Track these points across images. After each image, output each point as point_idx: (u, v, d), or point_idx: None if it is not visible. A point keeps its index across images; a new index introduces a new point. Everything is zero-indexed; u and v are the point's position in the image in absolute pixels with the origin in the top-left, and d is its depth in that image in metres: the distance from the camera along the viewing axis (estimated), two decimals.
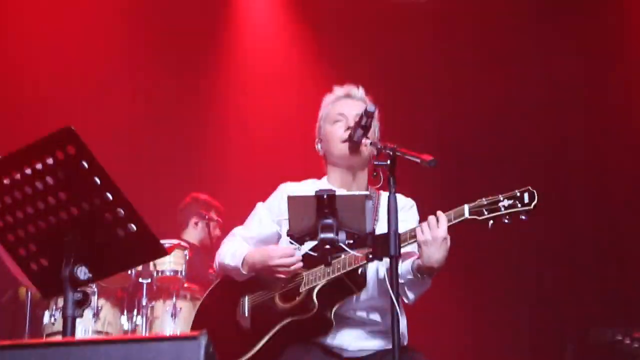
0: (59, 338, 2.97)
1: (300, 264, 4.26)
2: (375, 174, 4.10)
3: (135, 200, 2.98)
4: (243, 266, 4.39)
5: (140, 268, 6.91)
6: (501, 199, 4.00)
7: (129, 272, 6.89)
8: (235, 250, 4.49)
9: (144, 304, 6.91)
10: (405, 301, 4.31)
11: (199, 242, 7.84)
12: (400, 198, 4.45)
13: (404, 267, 4.18)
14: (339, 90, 4.63)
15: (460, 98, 8.07)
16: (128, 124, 8.28)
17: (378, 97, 4.49)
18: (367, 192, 4.16)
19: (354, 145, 4.26)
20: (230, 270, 4.50)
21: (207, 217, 7.70)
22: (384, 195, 4.08)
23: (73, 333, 2.94)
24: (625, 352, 6.16)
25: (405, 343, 4.46)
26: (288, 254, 4.27)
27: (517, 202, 3.96)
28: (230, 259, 4.47)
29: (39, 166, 2.85)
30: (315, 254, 4.04)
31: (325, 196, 3.79)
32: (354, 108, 4.40)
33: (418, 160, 3.95)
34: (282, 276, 4.29)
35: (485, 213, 4.00)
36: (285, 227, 4.11)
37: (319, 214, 3.80)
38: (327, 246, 3.79)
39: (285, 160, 7.28)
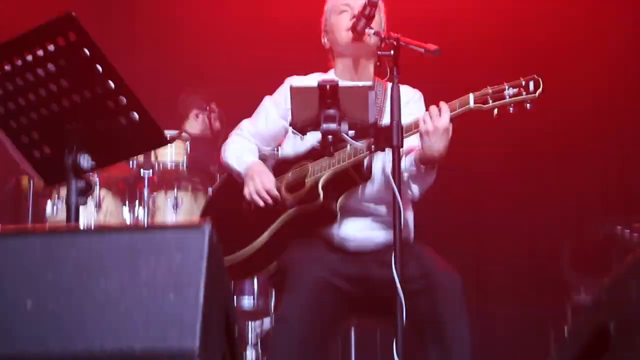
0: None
1: (262, 204, 4.32)
2: (379, 64, 4.08)
3: (135, 90, 2.96)
4: (245, 174, 4.43)
5: (141, 159, 6.91)
6: (506, 87, 3.99)
7: (130, 163, 6.90)
8: (241, 154, 4.53)
9: (145, 195, 6.93)
10: (410, 195, 4.33)
11: (200, 134, 7.81)
12: (407, 90, 4.45)
13: (407, 160, 4.19)
14: None
15: None
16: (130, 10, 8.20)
17: None
18: (370, 83, 4.15)
19: (357, 35, 4.23)
20: (234, 173, 4.55)
21: (207, 108, 7.65)
22: (390, 87, 4.06)
23: (77, 221, 2.96)
24: (625, 244, 6.16)
25: (411, 236, 4.49)
26: (267, 184, 4.32)
27: (523, 90, 3.95)
28: (235, 162, 4.52)
29: (40, 52, 2.82)
30: (318, 145, 4.05)
31: (327, 87, 3.78)
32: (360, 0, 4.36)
33: (422, 50, 3.94)
34: (247, 194, 4.35)
35: (490, 102, 3.99)
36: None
37: (322, 105, 3.79)
38: (330, 137, 3.79)
39: (292, 55, 7.19)
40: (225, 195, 4.71)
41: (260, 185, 4.33)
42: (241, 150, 4.57)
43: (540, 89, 3.93)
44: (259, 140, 4.60)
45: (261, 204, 4.32)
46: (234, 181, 4.59)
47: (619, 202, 7.43)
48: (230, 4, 8.27)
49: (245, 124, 4.69)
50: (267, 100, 4.64)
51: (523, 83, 3.96)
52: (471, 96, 4.02)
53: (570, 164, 7.56)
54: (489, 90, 4.01)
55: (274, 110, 4.56)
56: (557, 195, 7.59)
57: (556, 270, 7.31)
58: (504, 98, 3.97)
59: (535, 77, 3.96)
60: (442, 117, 3.98)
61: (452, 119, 4.00)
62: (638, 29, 7.43)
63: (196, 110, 7.86)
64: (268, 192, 4.32)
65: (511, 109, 3.98)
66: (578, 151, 7.55)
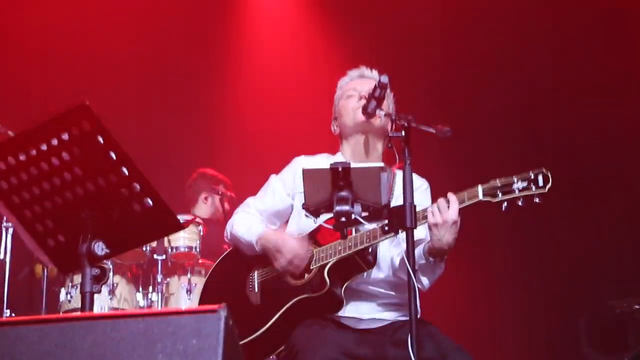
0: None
1: (302, 267, 4.29)
2: (390, 145, 4.09)
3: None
4: (257, 243, 4.41)
5: (154, 244, 6.92)
6: (515, 180, 3.95)
7: (144, 248, 6.91)
8: (251, 225, 4.50)
9: (159, 280, 6.92)
10: (420, 287, 4.30)
11: (210, 217, 7.82)
12: (414, 179, 4.46)
13: (416, 252, 4.17)
14: (352, 72, 4.67)
15: (474, 75, 8.00)
16: (134, 97, 8.29)
17: (392, 73, 4.48)
18: (382, 164, 4.16)
19: (368, 117, 4.25)
20: (242, 244, 4.51)
21: (219, 191, 7.67)
22: (400, 174, 4.08)
23: (91, 309, 2.96)
24: None
25: (419, 316, 4.46)
26: (300, 253, 4.29)
27: (532, 184, 3.91)
28: (244, 233, 4.48)
29: (54, 142, 2.85)
30: (331, 227, 4.04)
31: (340, 169, 3.79)
32: (367, 85, 4.39)
33: (433, 131, 3.94)
34: (278, 265, 4.31)
35: (499, 195, 3.96)
36: (299, 201, 4.12)
37: (334, 187, 3.80)
38: (343, 219, 3.79)
39: (297, 136, 7.26)
40: (226, 276, 4.67)
41: (286, 248, 4.32)
42: (250, 222, 4.55)
43: (550, 184, 3.88)
44: (266, 217, 4.58)
45: (299, 271, 4.31)
46: (236, 259, 4.58)
47: (636, 280, 7.38)
48: (228, 84, 8.36)
49: (251, 200, 4.69)
50: (274, 178, 4.65)
51: (532, 176, 3.92)
52: (480, 189, 3.99)
53: (587, 240, 7.54)
54: (498, 182, 3.97)
55: (281, 188, 4.57)
56: (574, 273, 7.56)
57: (574, 347, 7.25)
58: (513, 192, 3.93)
59: (544, 170, 3.92)
60: (450, 210, 3.97)
61: (460, 211, 4.00)
62: None
63: (205, 194, 7.87)
64: (302, 260, 4.30)
65: (520, 202, 3.96)
66: (594, 227, 7.53)
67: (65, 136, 2.84)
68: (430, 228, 4.02)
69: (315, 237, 4.35)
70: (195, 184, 7.91)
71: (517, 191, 3.93)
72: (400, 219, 3.82)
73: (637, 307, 6.12)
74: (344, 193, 3.78)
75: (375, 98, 4.17)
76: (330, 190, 3.81)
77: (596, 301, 7.32)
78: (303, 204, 3.96)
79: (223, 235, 4.77)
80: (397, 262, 4.29)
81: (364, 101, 4.27)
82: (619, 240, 7.58)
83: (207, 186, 7.82)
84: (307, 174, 3.92)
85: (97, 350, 2.23)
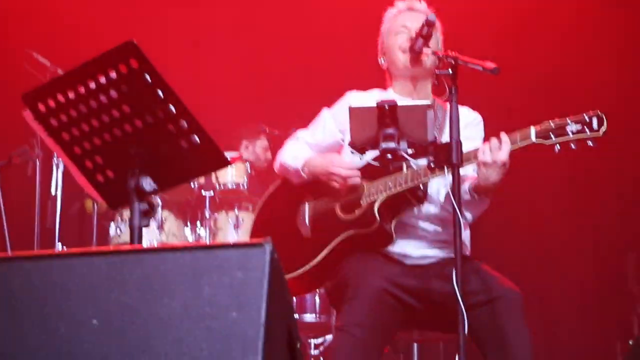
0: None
1: (358, 180, 4.29)
2: (437, 83, 4.08)
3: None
4: (303, 168, 4.44)
5: (202, 181, 6.99)
6: (569, 122, 3.91)
7: (192, 185, 6.98)
8: (298, 152, 4.53)
9: (207, 215, 7.00)
10: (464, 220, 4.32)
11: (255, 161, 7.81)
12: (467, 112, 4.46)
13: (463, 187, 4.18)
14: (400, 4, 4.61)
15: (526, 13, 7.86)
16: (182, 36, 8.31)
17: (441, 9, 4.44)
18: (429, 102, 4.15)
19: (415, 54, 4.24)
20: (291, 172, 4.54)
21: (267, 131, 7.67)
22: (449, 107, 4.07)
23: (140, 242, 3.01)
24: None
25: (468, 253, 4.49)
26: (348, 165, 4.30)
27: (586, 127, 3.88)
28: (292, 160, 4.52)
29: (103, 80, 2.89)
30: (377, 164, 4.06)
31: (386, 106, 3.80)
32: (416, 20, 4.36)
33: (480, 68, 3.92)
34: (337, 185, 4.32)
35: (552, 137, 3.93)
36: (348, 136, 4.13)
37: (381, 124, 3.82)
38: (389, 155, 3.82)
39: (351, 70, 7.23)
40: (277, 208, 4.71)
41: (335, 161, 4.37)
42: (297, 150, 4.59)
43: (604, 127, 3.86)
44: (316, 150, 4.59)
45: (344, 182, 4.33)
46: (286, 191, 4.62)
47: None
48: (285, 17, 8.31)
49: (301, 133, 4.71)
50: (326, 112, 4.66)
51: (587, 119, 3.89)
52: (533, 130, 3.97)
53: (634, 179, 7.47)
54: (551, 124, 3.94)
55: (332, 123, 4.58)
56: (621, 207, 7.51)
57: (621, 282, 7.24)
58: (567, 134, 3.91)
59: (599, 113, 3.89)
60: (501, 151, 3.96)
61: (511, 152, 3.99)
62: None
63: (246, 142, 7.86)
64: (344, 167, 4.33)
65: (573, 145, 3.92)
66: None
67: (113, 74, 2.88)
68: (479, 166, 4.02)
69: (365, 173, 4.35)
70: (237, 131, 7.87)
71: (570, 134, 3.90)
72: (447, 156, 3.83)
73: None
74: (390, 130, 3.80)
75: (422, 36, 4.15)
76: (377, 128, 3.83)
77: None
78: (349, 142, 3.99)
79: (268, 178, 4.79)
80: (443, 197, 4.31)
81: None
82: None
83: (247, 134, 7.80)
84: (353, 112, 3.94)
85: (145, 282, 2.28)
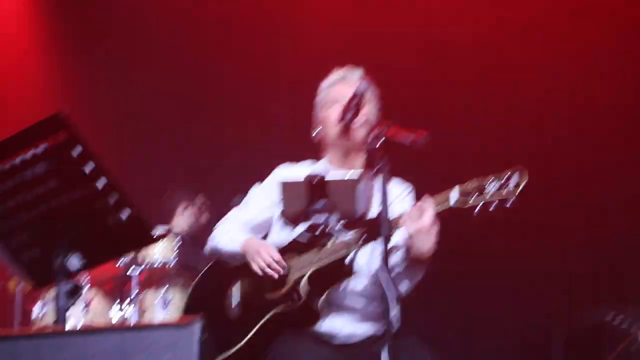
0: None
1: (275, 275, 4.27)
2: (367, 155, 4.05)
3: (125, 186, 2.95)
4: (241, 249, 4.37)
5: (129, 259, 6.89)
6: (487, 183, 3.85)
7: (118, 263, 6.87)
8: (234, 235, 4.47)
9: (133, 295, 6.88)
10: (398, 292, 4.27)
11: (189, 229, 7.77)
12: (398, 184, 4.44)
13: (394, 258, 4.15)
14: (334, 75, 4.57)
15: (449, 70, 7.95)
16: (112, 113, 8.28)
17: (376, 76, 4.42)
18: (357, 177, 4.13)
19: (344, 127, 4.22)
20: (226, 255, 4.48)
21: (197, 201, 7.64)
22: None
23: (65, 324, 2.93)
24: (616, 332, 6.08)
25: (398, 327, 4.43)
26: (274, 255, 4.26)
27: (503, 186, 3.81)
28: (227, 243, 4.46)
29: (29, 154, 2.83)
30: (306, 239, 4.04)
31: (315, 181, 3.79)
32: (349, 91, 4.34)
33: (407, 143, 3.88)
34: (258, 269, 4.28)
35: (470, 200, 3.93)
36: (279, 210, 4.09)
37: (311, 198, 3.80)
38: (319, 230, 3.80)
39: (283, 143, 7.21)
40: (207, 291, 4.63)
41: (269, 257, 4.27)
42: (232, 232, 4.51)
43: (524, 184, 3.77)
44: (249, 229, 4.51)
45: (276, 276, 4.25)
46: (216, 273, 4.56)
47: (610, 289, 7.38)
48: (222, 91, 8.33)
49: (233, 212, 4.66)
50: (257, 189, 4.62)
51: (504, 180, 3.82)
52: (452, 193, 3.92)
53: (561, 250, 7.52)
54: (469, 186, 3.90)
55: (264, 199, 4.54)
56: (548, 283, 7.55)
57: (548, 358, 7.26)
58: (485, 195, 3.84)
59: (519, 171, 3.81)
60: (424, 217, 3.93)
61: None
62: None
63: (184, 204, 7.81)
64: (278, 263, 4.27)
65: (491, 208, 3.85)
66: (569, 235, 7.51)
67: (41, 147, 2.82)
68: (409, 236, 4.00)
69: (292, 249, 4.32)
70: (174, 195, 7.84)
71: (488, 195, 3.89)
72: (377, 228, 3.80)
73: (610, 315, 6.10)
74: (319, 205, 3.79)
75: (351, 108, 4.13)
76: (307, 202, 3.82)
77: (571, 309, 7.31)
78: (281, 213, 3.97)
79: (199, 249, 4.74)
80: (373, 269, 4.27)
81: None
82: (596, 247, 7.58)
83: (185, 197, 7.78)
84: (284, 187, 3.93)
85: None
